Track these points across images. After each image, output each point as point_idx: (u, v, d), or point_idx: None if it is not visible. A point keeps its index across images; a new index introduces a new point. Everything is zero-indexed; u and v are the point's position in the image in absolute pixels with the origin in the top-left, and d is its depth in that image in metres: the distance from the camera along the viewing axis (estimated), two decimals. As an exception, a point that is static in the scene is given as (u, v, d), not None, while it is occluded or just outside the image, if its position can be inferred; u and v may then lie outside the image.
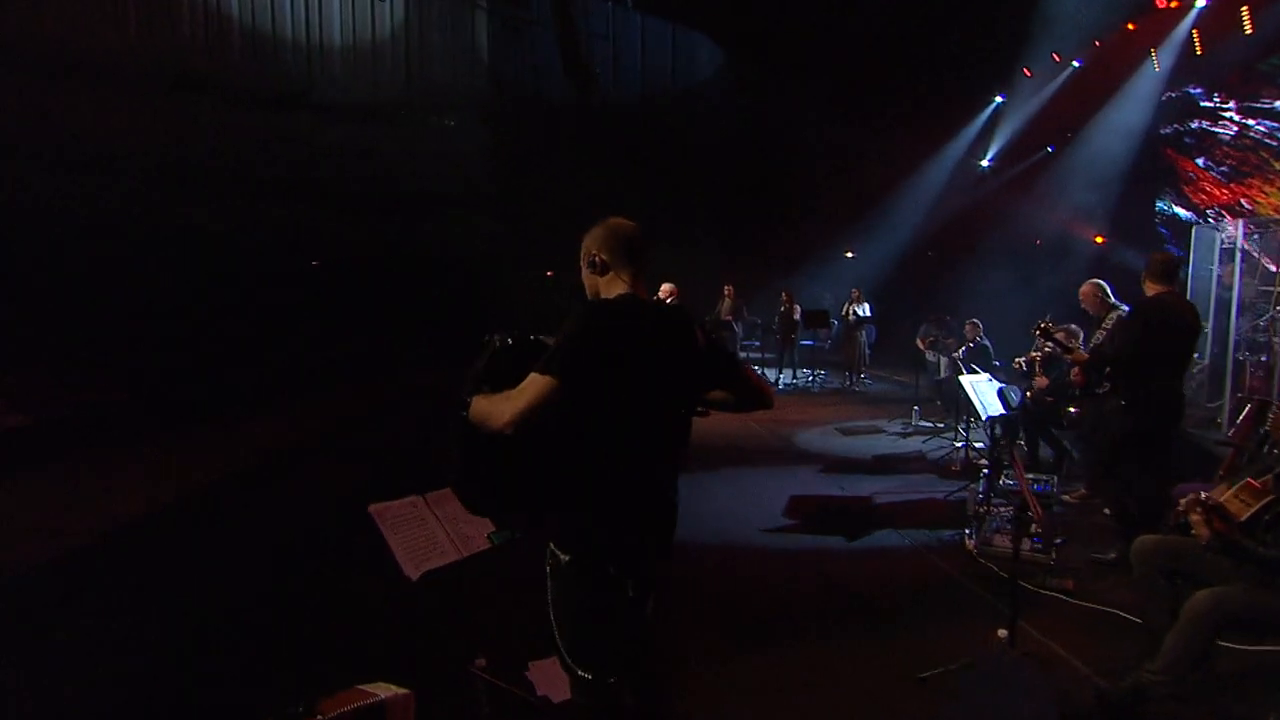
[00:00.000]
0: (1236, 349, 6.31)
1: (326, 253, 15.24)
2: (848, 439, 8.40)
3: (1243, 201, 11.17)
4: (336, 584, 4.36)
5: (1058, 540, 4.81)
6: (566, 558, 2.05)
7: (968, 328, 8.84)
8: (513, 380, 1.99)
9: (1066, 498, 5.92)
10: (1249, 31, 10.14)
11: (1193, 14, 10.78)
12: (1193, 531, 3.07)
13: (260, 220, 13.99)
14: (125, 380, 9.71)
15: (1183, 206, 11.83)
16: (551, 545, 2.10)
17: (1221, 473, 4.64)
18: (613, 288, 2.17)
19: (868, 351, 12.44)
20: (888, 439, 8.41)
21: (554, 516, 2.13)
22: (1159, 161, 12.15)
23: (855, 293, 12.08)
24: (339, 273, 14.87)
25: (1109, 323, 5.57)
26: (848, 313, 11.94)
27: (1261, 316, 6.35)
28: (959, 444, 7.19)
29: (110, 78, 12.46)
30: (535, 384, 1.91)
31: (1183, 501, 2.92)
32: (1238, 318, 6.43)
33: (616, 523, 2.06)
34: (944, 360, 9.94)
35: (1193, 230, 7.16)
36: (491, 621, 3.85)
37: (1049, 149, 12.96)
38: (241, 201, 13.78)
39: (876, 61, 14.46)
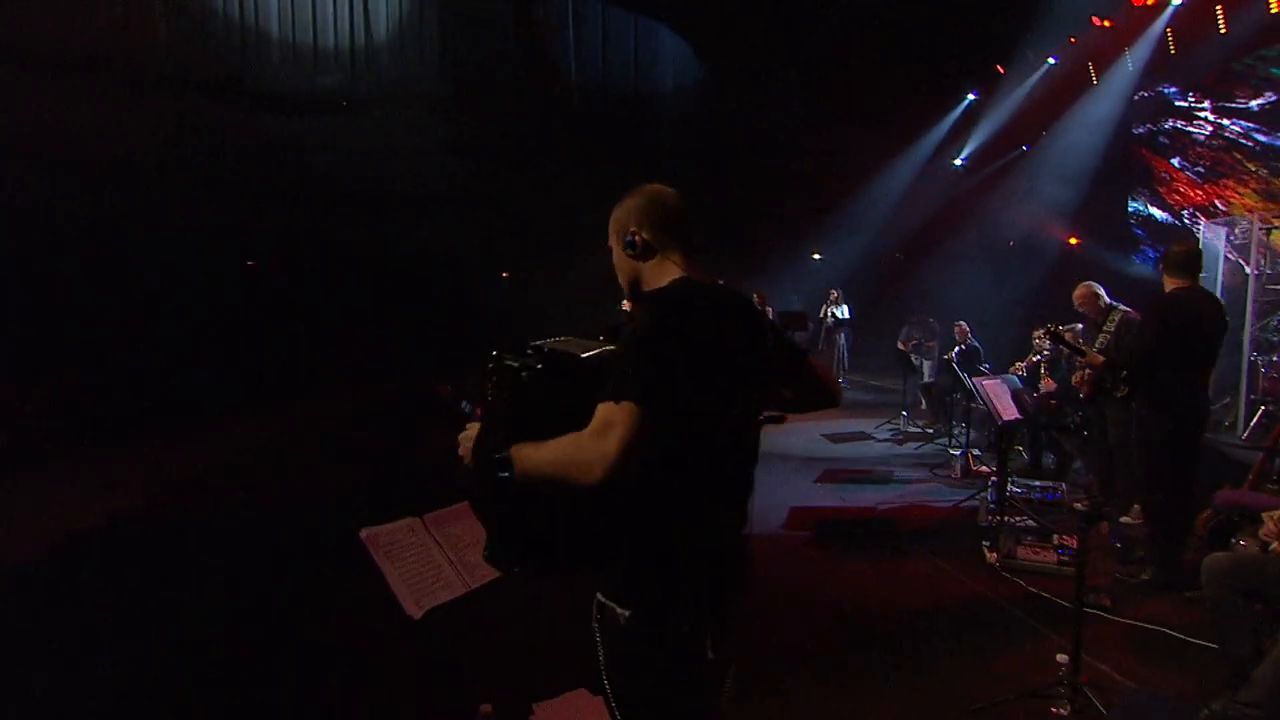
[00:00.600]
0: (1252, 350, 6.28)
1: (271, 251, 14.60)
2: (836, 446, 8.22)
3: (1217, 202, 11.39)
4: (328, 615, 4.04)
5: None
6: (626, 613, 1.64)
7: (956, 330, 8.77)
8: (551, 417, 1.59)
9: (1078, 505, 5.79)
10: (1223, 31, 10.35)
11: (1168, 12, 10.95)
12: (1272, 548, 2.91)
13: (195, 215, 13.33)
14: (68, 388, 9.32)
15: (1158, 207, 12.03)
16: (602, 598, 1.69)
17: (1251, 478, 4.55)
18: (663, 273, 1.80)
19: (846, 355, 12.34)
20: (879, 445, 8.27)
21: (606, 562, 1.71)
22: (1133, 161, 12.35)
23: (834, 294, 11.96)
24: (283, 272, 14.25)
25: (1111, 324, 5.46)
26: (826, 315, 11.82)
27: (1270, 316, 6.36)
28: (956, 450, 7.05)
29: (35, 64, 11.74)
30: (620, 415, 1.49)
31: (1273, 517, 2.74)
32: (1253, 318, 6.41)
33: (690, 565, 1.67)
34: (927, 363, 9.88)
35: (1199, 227, 7.14)
36: (493, 655, 3.52)
37: (1024, 148, 13.06)
38: (181, 196, 13.11)
39: (846, 57, 14.43)
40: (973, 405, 7.17)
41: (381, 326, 14.04)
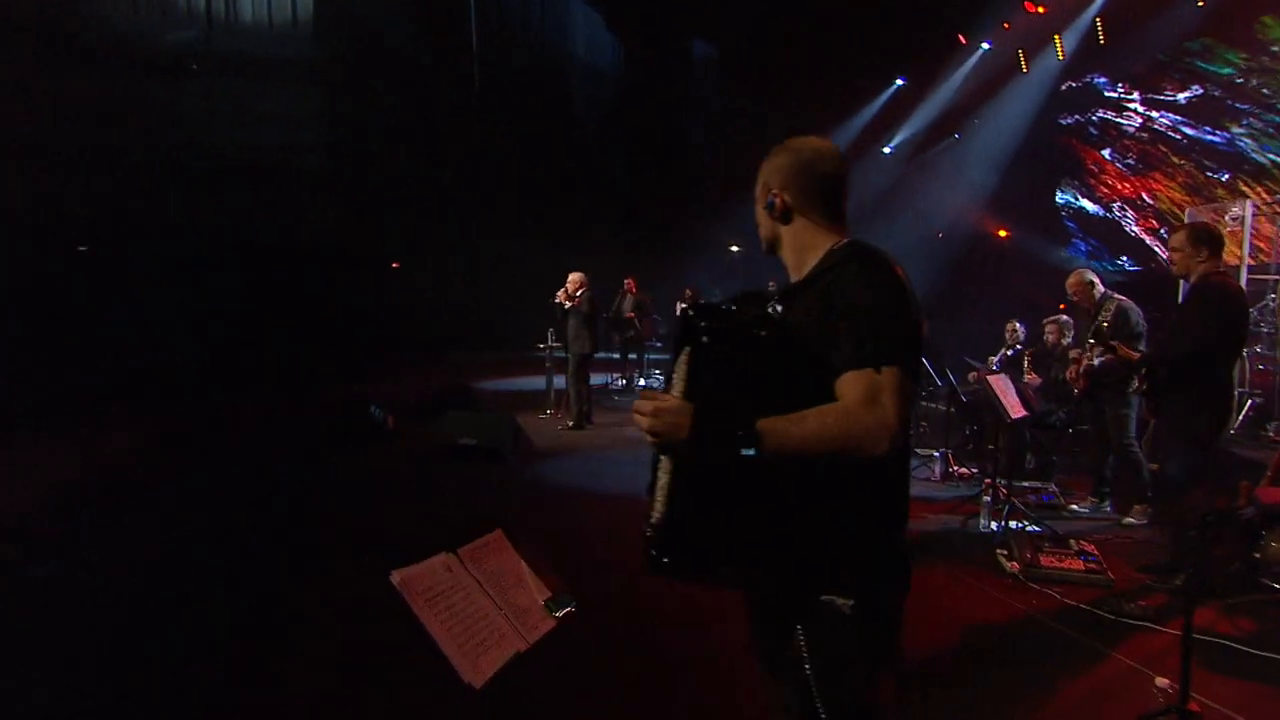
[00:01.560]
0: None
1: (108, 234, 13.20)
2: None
3: (1144, 195, 12.06)
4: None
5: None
6: (850, 603, 1.60)
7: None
8: (780, 387, 1.57)
9: (1075, 506, 5.86)
10: (1151, 22, 10.97)
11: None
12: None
13: (9, 191, 11.88)
14: None
15: (1089, 199, 12.65)
16: (820, 596, 1.62)
17: (1270, 473, 4.66)
18: (807, 239, 1.77)
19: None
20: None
21: (817, 555, 1.62)
22: (1062, 152, 12.93)
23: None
24: (122, 259, 12.91)
25: (1107, 313, 5.51)
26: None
27: (1254, 305, 6.65)
28: (935, 451, 7.02)
29: None
30: (887, 382, 1.49)
31: None
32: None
33: (898, 540, 1.68)
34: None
35: (1185, 213, 7.42)
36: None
37: (956, 135, 13.46)
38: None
39: (770, 40, 14.52)
40: (940, 406, 7.21)
41: (247, 321, 13.00)
